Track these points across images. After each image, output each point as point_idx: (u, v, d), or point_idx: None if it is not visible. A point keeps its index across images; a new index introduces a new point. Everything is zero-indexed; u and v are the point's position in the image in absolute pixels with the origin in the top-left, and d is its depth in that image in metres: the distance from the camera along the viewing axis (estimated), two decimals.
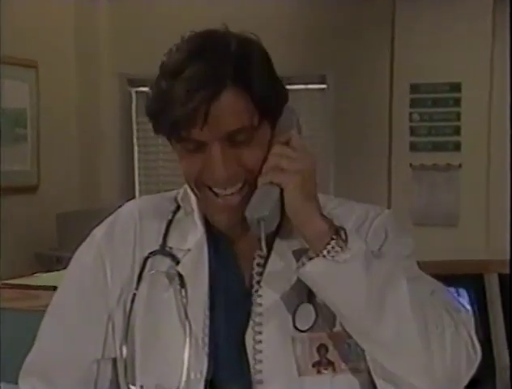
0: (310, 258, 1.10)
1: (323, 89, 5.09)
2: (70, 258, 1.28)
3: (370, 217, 1.23)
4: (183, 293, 1.17)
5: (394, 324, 1.07)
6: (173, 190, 1.30)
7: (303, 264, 1.11)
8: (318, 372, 1.15)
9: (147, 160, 5.37)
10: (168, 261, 1.20)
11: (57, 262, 4.01)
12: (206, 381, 1.15)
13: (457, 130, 4.85)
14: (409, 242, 1.23)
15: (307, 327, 1.15)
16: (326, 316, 1.16)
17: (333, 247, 1.08)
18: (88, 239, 1.27)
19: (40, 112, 4.73)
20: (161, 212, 1.25)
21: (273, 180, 1.11)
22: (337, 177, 4.99)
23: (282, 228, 1.17)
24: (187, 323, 1.15)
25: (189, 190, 1.25)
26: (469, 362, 1.11)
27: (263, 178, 1.12)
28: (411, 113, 4.91)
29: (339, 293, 1.10)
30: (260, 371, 1.14)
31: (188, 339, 1.15)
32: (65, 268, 1.29)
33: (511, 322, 2.46)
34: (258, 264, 1.17)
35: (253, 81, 1.10)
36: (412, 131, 4.92)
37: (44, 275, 2.42)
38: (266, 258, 1.18)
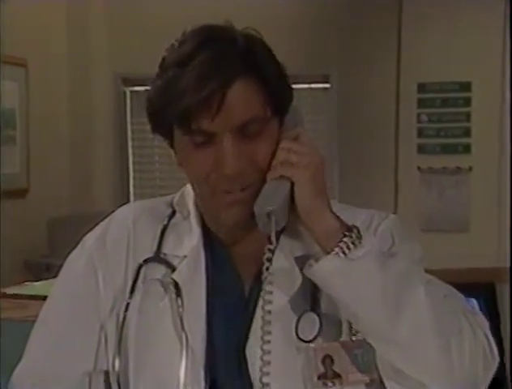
0: (316, 259, 1.10)
1: (327, 89, 5.10)
2: (60, 266, 1.28)
3: (375, 222, 1.23)
4: (179, 303, 1.17)
5: (412, 323, 1.07)
6: (170, 194, 1.30)
7: (310, 265, 1.11)
8: (324, 384, 1.14)
9: (142, 162, 5.37)
10: (163, 268, 1.20)
11: (48, 270, 4.01)
12: None
13: (467, 132, 4.85)
14: (417, 248, 1.23)
15: (311, 337, 1.15)
16: (331, 325, 1.16)
17: (346, 244, 1.09)
18: (79, 246, 1.27)
19: (30, 112, 4.73)
20: (156, 217, 1.25)
21: (283, 174, 1.12)
22: (340, 181, 4.98)
23: (282, 232, 1.18)
24: (183, 335, 1.15)
25: (186, 193, 1.25)
26: (486, 365, 1.11)
27: (273, 173, 1.13)
28: (418, 114, 4.91)
29: (354, 292, 1.09)
30: (268, 384, 1.13)
31: (184, 352, 1.14)
32: (55, 277, 1.29)
33: None
34: (268, 259, 1.14)
35: (264, 71, 1.12)
36: (420, 133, 4.92)
37: (34, 284, 2.42)
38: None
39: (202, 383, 1.14)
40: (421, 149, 4.92)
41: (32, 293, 2.16)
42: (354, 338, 1.16)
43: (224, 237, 1.21)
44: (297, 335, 1.15)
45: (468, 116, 4.84)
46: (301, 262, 1.15)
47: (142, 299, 1.19)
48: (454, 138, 4.88)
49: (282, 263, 1.17)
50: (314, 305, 1.16)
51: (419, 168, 4.90)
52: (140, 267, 1.21)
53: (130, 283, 1.20)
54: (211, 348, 1.16)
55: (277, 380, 1.13)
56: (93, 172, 5.28)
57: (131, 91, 5.27)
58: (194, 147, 1.12)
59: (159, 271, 1.20)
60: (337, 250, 1.09)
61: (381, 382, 1.15)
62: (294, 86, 1.19)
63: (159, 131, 1.18)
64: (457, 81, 4.83)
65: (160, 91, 1.13)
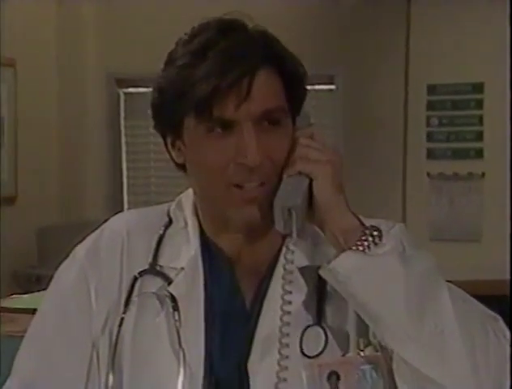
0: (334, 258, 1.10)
1: (332, 90, 5.10)
2: (50, 278, 1.27)
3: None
4: (176, 317, 1.16)
5: (436, 322, 1.08)
6: (166, 201, 1.30)
7: (327, 264, 1.10)
8: None
9: (137, 168, 5.37)
10: (159, 281, 1.20)
11: (37, 282, 4.02)
12: None
13: (479, 136, 4.86)
14: (429, 254, 1.23)
15: (316, 353, 1.15)
16: (337, 340, 1.16)
17: (366, 241, 1.10)
18: (70, 257, 1.27)
19: (19, 116, 4.73)
20: (151, 227, 1.25)
21: (302, 170, 1.13)
22: (346, 187, 4.96)
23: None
24: (181, 351, 1.15)
25: (183, 201, 1.25)
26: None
27: (291, 168, 1.14)
28: (428, 117, 4.91)
29: (375, 290, 1.09)
30: None
31: (182, 369, 1.14)
32: (45, 289, 1.29)
33: None
34: (287, 259, 1.14)
35: (284, 64, 1.15)
36: (430, 137, 4.92)
37: (23, 296, 2.42)
38: (269, 279, 1.18)
39: None
40: (431, 154, 4.92)
41: (20, 306, 2.15)
42: (362, 353, 1.16)
43: (226, 245, 1.21)
44: (301, 350, 1.15)
45: (481, 119, 4.84)
46: (309, 272, 1.15)
47: (137, 313, 1.19)
48: (465, 143, 4.88)
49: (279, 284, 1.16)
50: (319, 319, 1.16)
51: (428, 174, 4.91)
52: (135, 279, 1.20)
53: (124, 296, 1.20)
54: (209, 365, 1.15)
55: None
56: (85, 178, 5.28)
57: (125, 93, 5.26)
58: (211, 136, 1.12)
59: (154, 283, 1.20)
60: (358, 245, 1.10)
61: None
62: None
63: (164, 126, 1.17)
64: (469, 82, 4.83)
65: (174, 80, 1.13)
